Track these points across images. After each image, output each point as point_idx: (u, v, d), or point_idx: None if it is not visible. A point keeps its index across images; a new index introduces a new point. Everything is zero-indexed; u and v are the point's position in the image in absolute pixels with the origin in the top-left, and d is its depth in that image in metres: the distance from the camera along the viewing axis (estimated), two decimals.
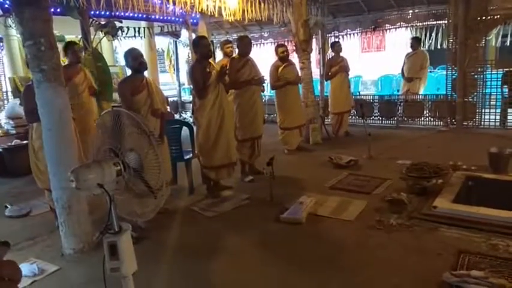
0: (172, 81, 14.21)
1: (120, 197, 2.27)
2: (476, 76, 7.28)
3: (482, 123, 7.38)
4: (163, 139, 3.93)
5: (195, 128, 4.67)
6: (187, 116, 11.21)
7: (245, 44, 5.12)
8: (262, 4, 7.18)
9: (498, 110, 7.36)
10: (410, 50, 8.33)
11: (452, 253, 2.90)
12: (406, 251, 3.03)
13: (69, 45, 4.95)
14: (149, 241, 3.49)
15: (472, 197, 4.15)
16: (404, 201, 3.75)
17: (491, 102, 7.43)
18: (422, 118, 8.10)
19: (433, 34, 9.33)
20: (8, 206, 4.58)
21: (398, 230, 3.38)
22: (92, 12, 6.08)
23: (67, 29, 7.52)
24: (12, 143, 6.51)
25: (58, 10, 5.53)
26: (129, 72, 4.05)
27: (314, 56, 8.36)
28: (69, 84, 4.61)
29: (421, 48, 8.53)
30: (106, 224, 2.15)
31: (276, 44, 11.25)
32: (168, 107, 10.81)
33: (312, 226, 3.62)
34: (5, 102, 9.44)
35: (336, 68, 7.25)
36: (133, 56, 3.86)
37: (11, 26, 6.58)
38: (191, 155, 4.84)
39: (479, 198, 4.04)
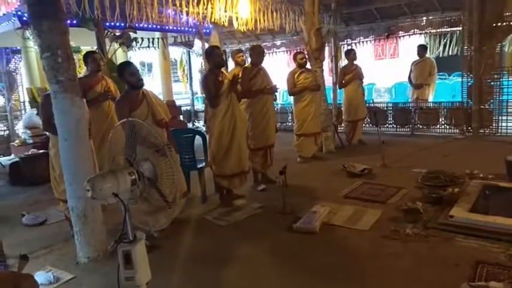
0: (185, 91, 14.36)
1: (134, 206, 2.29)
2: (492, 83, 7.17)
3: (500, 130, 7.26)
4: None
5: (207, 137, 4.69)
6: (200, 124, 11.29)
7: (258, 54, 5.15)
8: (275, 13, 7.24)
9: None
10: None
11: (469, 264, 2.84)
12: (422, 262, 2.98)
13: (89, 54, 4.89)
14: (162, 250, 3.49)
15: (490, 206, 4.07)
16: (420, 210, 3.69)
17: (509, 110, 7.30)
18: (438, 126, 8.01)
19: (447, 41, 9.28)
20: (25, 215, 4.65)
21: (414, 240, 3.33)
22: (107, 24, 6.19)
23: (83, 40, 7.66)
24: (29, 152, 6.63)
25: (74, 22, 5.64)
26: None
27: (327, 64, 8.36)
28: (91, 93, 4.64)
29: (428, 55, 8.55)
30: (121, 233, 2.17)
31: (289, 52, 11.38)
32: (181, 116, 10.95)
33: (326, 236, 3.58)
34: (23, 112, 9.63)
35: (350, 75, 7.23)
36: (130, 72, 3.63)
37: (29, 38, 6.74)
38: (204, 163, 4.86)
39: (496, 207, 3.95)
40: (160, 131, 3.69)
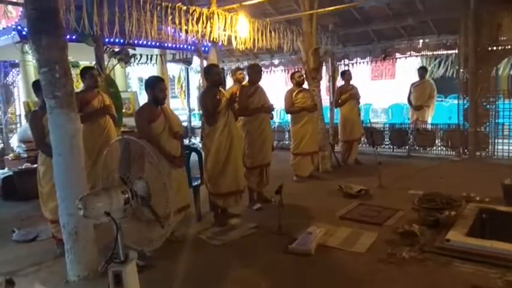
0: (182, 107, 14.38)
1: (126, 225, 2.25)
2: (488, 106, 7.23)
3: (496, 153, 7.27)
4: (183, 160, 4.02)
5: (203, 154, 4.67)
6: (197, 141, 11.26)
7: (256, 72, 5.17)
8: (273, 33, 7.32)
9: None
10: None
11: None
12: (418, 286, 2.93)
13: (87, 70, 4.88)
14: (155, 269, 3.43)
15: (486, 230, 4.05)
16: (417, 233, 3.65)
17: (505, 133, 7.34)
18: (434, 147, 8.02)
19: (442, 63, 9.39)
20: (16, 231, 4.57)
21: (410, 263, 3.28)
22: (106, 40, 6.21)
23: (81, 55, 7.67)
24: (23, 167, 6.56)
25: (73, 37, 5.65)
26: (141, 99, 4.05)
27: (324, 84, 8.42)
28: (89, 108, 4.63)
29: (427, 77, 8.68)
30: (112, 253, 2.13)
31: (286, 71, 11.46)
32: None
33: (321, 258, 3.53)
34: (18, 125, 9.58)
35: (346, 95, 7.27)
36: (161, 89, 3.80)
37: (27, 52, 6.74)
38: (199, 181, 4.81)
39: (493, 231, 3.93)
40: (175, 143, 3.83)
